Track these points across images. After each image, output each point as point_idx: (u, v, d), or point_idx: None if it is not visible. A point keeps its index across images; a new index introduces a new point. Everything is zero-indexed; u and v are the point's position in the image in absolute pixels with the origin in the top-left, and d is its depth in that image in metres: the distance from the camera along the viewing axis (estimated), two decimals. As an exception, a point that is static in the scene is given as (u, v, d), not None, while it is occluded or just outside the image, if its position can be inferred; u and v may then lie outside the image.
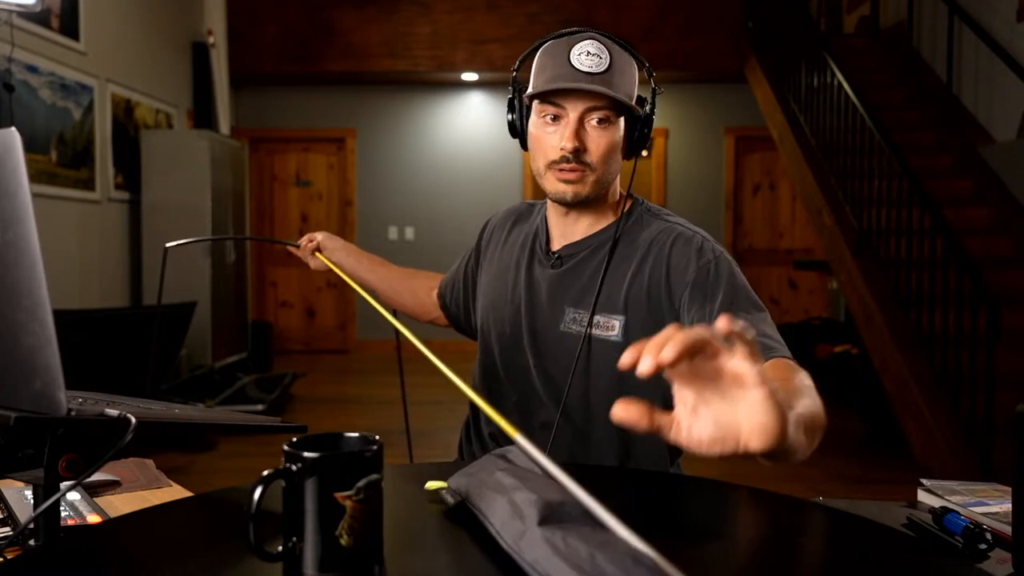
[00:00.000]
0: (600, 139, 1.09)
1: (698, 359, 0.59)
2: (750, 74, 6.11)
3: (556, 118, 1.10)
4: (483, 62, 6.43)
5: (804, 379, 0.85)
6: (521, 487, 0.69)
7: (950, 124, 4.97)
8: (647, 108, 1.15)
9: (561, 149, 1.09)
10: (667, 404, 1.11)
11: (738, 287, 1.06)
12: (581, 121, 1.09)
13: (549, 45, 1.13)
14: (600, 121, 1.09)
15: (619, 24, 6.35)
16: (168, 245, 1.37)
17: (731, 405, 0.59)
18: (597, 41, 1.10)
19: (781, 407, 0.58)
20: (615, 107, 1.09)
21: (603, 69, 1.07)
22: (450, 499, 0.76)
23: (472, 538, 0.68)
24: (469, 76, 6.68)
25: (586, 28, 1.13)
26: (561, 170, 1.10)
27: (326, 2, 6.58)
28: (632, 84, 1.12)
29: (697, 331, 0.58)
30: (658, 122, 7.09)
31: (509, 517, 0.65)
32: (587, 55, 1.08)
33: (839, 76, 4.48)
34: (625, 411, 0.60)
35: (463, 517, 0.72)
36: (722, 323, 0.58)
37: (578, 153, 1.09)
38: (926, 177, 4.09)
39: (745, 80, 6.23)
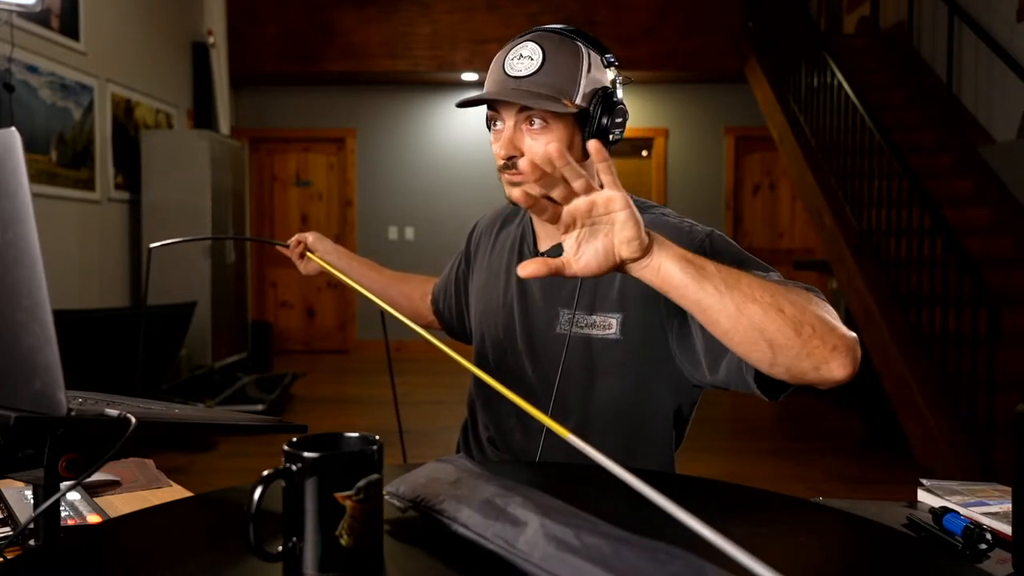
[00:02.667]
0: (535, 143, 1.07)
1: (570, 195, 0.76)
2: (750, 74, 6.11)
3: (498, 124, 1.10)
4: (483, 62, 6.42)
5: (790, 287, 0.89)
6: (498, 490, 0.68)
7: (950, 124, 4.97)
8: (596, 101, 1.07)
9: (499, 156, 1.09)
10: (679, 410, 1.12)
11: (740, 256, 1.03)
12: (518, 126, 1.07)
13: (499, 53, 1.12)
14: (534, 124, 1.06)
15: (619, 24, 6.35)
16: (152, 246, 1.36)
17: (605, 235, 0.77)
18: (534, 42, 1.07)
19: (640, 225, 0.77)
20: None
21: (532, 71, 1.05)
22: (397, 503, 0.73)
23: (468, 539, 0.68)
24: (469, 76, 6.68)
25: (539, 28, 1.11)
26: (507, 175, 1.09)
27: (326, 2, 6.58)
28: (570, 79, 1.06)
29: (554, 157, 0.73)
30: (658, 122, 7.13)
31: (491, 518, 0.64)
32: (519, 59, 1.07)
33: (839, 76, 4.48)
34: (525, 269, 0.77)
35: (415, 522, 0.71)
36: (591, 149, 0.74)
37: (513, 159, 1.07)
38: (926, 177, 4.09)
39: (745, 80, 6.23)
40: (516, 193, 0.74)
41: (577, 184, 0.76)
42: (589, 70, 1.07)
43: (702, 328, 0.97)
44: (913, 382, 3.64)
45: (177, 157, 4.94)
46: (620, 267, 0.80)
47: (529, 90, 1.05)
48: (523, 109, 1.06)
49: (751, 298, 0.82)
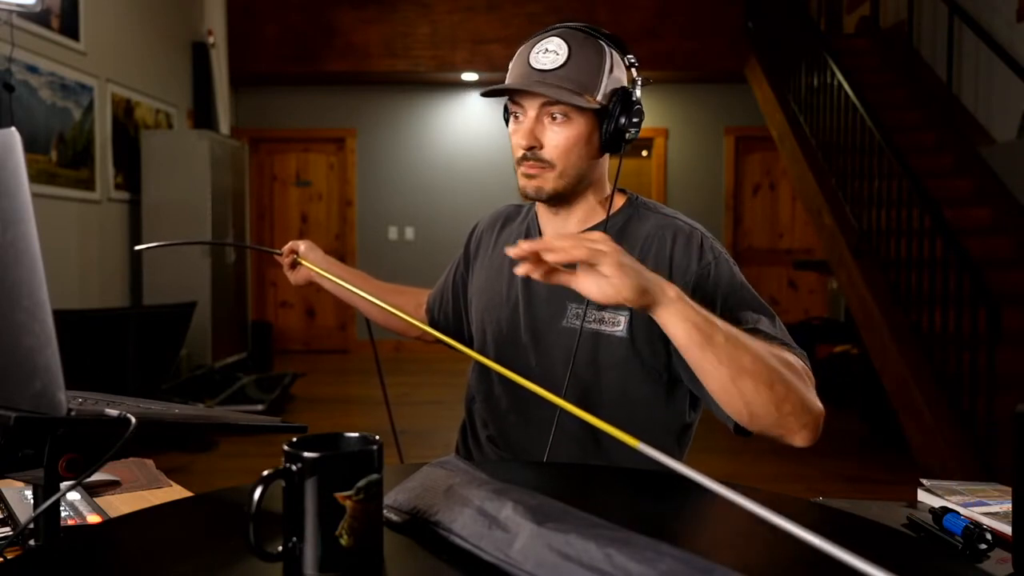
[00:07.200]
0: (556, 135, 1.09)
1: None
2: (750, 74, 6.11)
3: (519, 116, 1.12)
4: (483, 62, 6.43)
5: (777, 348, 0.97)
6: (489, 495, 0.68)
7: (950, 124, 4.97)
8: (616, 99, 1.09)
9: (519, 146, 1.11)
10: (683, 412, 1.12)
11: (737, 291, 1.06)
12: (540, 118, 1.09)
13: (523, 46, 1.14)
14: (556, 117, 1.09)
15: (619, 24, 6.35)
16: (138, 248, 1.37)
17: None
18: (560, 38, 1.09)
19: (630, 287, 0.82)
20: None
21: (558, 65, 1.07)
22: (395, 517, 0.72)
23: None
24: (469, 76, 6.67)
25: (564, 24, 1.13)
26: (524, 166, 1.12)
27: (326, 2, 6.58)
28: (593, 76, 1.09)
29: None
30: (658, 122, 7.13)
31: (484, 527, 0.64)
32: (544, 52, 1.09)
33: (839, 76, 4.48)
34: (525, 269, 0.83)
35: (413, 533, 0.71)
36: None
37: (534, 150, 1.10)
38: (926, 177, 4.08)
39: (745, 80, 6.23)
40: (522, 270, 0.83)
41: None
42: (611, 69, 1.10)
43: None
44: (913, 382, 3.64)
45: (177, 157, 4.94)
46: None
47: (553, 83, 1.07)
48: (546, 102, 1.08)
49: (747, 371, 0.89)
